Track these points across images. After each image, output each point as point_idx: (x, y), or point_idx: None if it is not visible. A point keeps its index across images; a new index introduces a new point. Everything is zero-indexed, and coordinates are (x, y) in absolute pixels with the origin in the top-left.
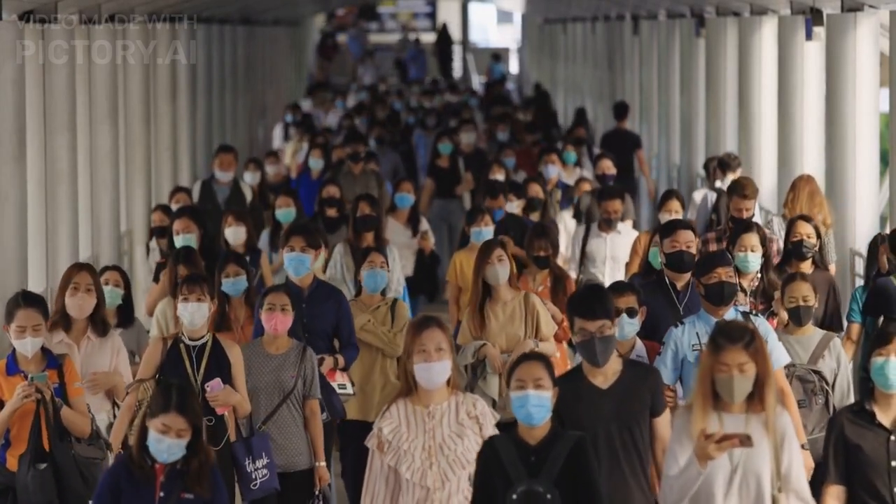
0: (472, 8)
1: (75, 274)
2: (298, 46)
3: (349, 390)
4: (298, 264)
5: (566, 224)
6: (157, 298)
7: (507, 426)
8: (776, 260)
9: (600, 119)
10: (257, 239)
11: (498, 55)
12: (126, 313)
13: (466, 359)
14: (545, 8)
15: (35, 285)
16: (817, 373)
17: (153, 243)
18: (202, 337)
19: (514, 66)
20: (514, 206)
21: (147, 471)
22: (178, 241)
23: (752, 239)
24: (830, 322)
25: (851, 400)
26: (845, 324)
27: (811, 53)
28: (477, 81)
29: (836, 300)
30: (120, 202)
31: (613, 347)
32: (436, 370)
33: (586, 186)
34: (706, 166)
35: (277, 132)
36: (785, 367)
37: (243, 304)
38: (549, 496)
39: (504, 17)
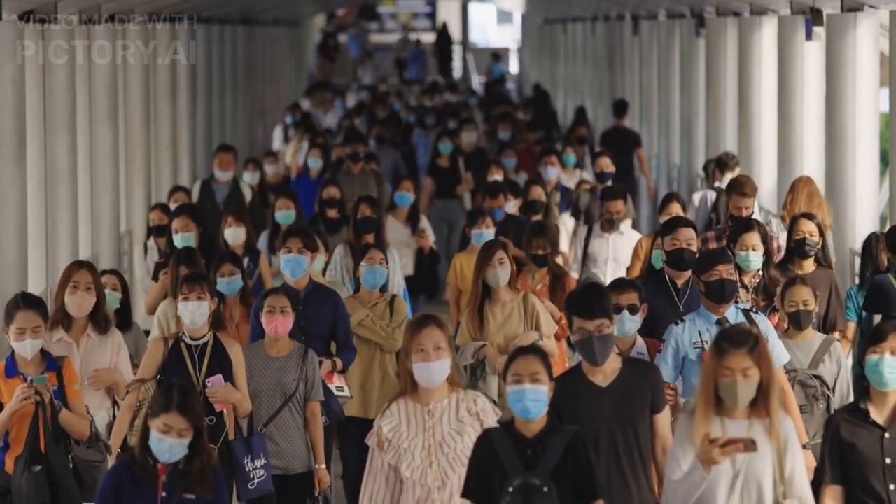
0: (472, 8)
1: (75, 272)
2: (298, 46)
3: (346, 393)
4: (295, 265)
5: (566, 224)
6: (157, 298)
7: (508, 425)
8: (778, 257)
9: (600, 119)
10: (257, 239)
11: (498, 55)
12: (124, 317)
13: (466, 360)
14: (545, 8)
15: (35, 285)
16: (818, 378)
17: (151, 242)
18: (203, 336)
19: (513, 66)
20: (512, 206)
21: (149, 471)
22: (177, 240)
23: (754, 238)
24: (832, 320)
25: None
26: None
27: (811, 53)
28: (477, 81)
29: (839, 298)
30: (120, 202)
31: (612, 346)
32: (434, 369)
33: (586, 186)
34: (705, 168)
35: (277, 134)
36: (787, 373)
37: (238, 304)
38: (545, 489)
39: (504, 17)
